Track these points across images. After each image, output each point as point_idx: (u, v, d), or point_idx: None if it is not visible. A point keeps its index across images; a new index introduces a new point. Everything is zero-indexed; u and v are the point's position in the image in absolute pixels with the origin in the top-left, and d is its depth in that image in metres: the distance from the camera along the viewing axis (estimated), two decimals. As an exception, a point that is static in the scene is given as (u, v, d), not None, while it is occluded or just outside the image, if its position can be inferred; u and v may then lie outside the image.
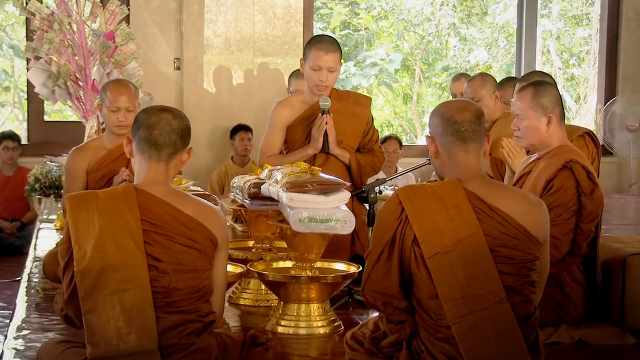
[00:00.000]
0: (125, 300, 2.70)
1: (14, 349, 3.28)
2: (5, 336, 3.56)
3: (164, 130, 2.83)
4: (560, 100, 3.71)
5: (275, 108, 4.78)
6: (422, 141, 11.61)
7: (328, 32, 11.68)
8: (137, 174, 2.90)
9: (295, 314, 3.59)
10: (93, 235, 2.73)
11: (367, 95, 5.13)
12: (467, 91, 5.44)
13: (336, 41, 4.70)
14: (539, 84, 3.73)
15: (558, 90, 3.80)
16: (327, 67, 4.56)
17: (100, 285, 2.71)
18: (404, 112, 12.68)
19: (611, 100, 8.35)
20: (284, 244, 3.97)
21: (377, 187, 4.21)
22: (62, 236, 2.93)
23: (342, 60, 4.72)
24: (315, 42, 4.61)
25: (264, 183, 3.78)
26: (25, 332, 3.50)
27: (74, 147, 4.50)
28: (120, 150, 4.37)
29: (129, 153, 2.94)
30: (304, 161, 3.94)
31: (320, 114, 4.56)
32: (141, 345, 2.69)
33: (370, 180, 4.71)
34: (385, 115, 12.53)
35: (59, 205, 5.90)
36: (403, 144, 8.06)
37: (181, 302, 2.78)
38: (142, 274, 2.72)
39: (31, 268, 4.65)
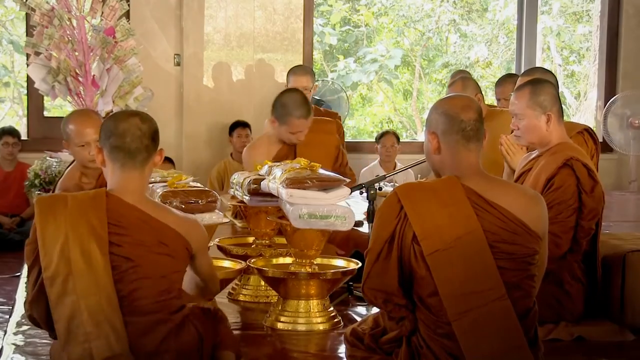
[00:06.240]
0: (92, 305, 2.69)
1: (13, 344, 3.29)
2: (5, 332, 3.56)
3: (135, 135, 2.79)
4: (558, 97, 3.71)
5: (248, 152, 4.89)
6: (422, 137, 11.61)
7: (328, 28, 11.67)
8: (110, 182, 2.87)
9: (294, 310, 3.60)
10: (59, 242, 2.72)
11: (331, 119, 5.33)
12: None
13: (305, 97, 4.76)
14: (536, 82, 3.72)
15: (555, 87, 3.79)
16: (307, 128, 4.71)
17: (68, 292, 2.71)
18: (404, 109, 12.67)
19: (613, 98, 8.34)
20: (283, 240, 3.97)
21: (377, 184, 4.20)
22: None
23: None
24: (292, 109, 4.66)
25: (263, 179, 3.78)
26: (24, 327, 3.50)
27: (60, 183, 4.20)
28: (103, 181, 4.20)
29: (100, 162, 2.89)
30: None
31: None
32: (112, 350, 2.68)
33: (369, 178, 4.73)
34: (385, 112, 12.53)
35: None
36: (403, 140, 8.07)
37: (149, 306, 2.76)
38: (106, 279, 2.71)
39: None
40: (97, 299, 2.70)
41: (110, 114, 2.99)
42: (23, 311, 3.75)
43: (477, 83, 5.60)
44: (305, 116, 4.68)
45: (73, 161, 4.29)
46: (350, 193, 3.64)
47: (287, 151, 4.77)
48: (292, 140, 4.75)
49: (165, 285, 2.80)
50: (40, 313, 2.80)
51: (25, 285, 4.23)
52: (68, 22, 6.34)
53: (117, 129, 2.80)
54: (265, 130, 6.09)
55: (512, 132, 3.95)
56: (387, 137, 7.69)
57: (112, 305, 2.71)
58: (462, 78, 5.70)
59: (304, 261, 3.64)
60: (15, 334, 3.42)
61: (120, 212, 2.78)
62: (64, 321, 2.71)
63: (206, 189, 3.67)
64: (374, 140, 8.04)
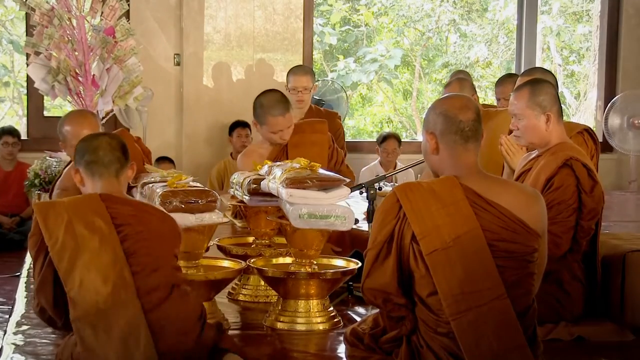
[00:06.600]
0: (101, 264, 2.87)
1: (13, 344, 3.29)
2: (5, 331, 3.56)
3: (106, 150, 3.07)
4: (557, 97, 3.71)
5: (241, 159, 4.86)
6: (422, 137, 11.59)
7: (328, 28, 11.67)
8: (94, 192, 3.08)
9: (294, 310, 3.60)
10: (63, 223, 2.91)
11: (322, 119, 5.29)
12: None
13: (283, 95, 4.74)
14: (535, 82, 3.72)
15: (554, 87, 3.79)
16: (286, 126, 4.68)
17: (77, 263, 2.86)
18: (404, 109, 12.67)
19: (614, 98, 8.34)
20: (283, 240, 3.97)
21: (377, 184, 4.20)
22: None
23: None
24: (268, 109, 4.65)
25: (263, 179, 3.78)
26: (24, 327, 3.50)
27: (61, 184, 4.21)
28: None
29: (79, 182, 3.13)
30: None
31: None
32: (120, 297, 2.84)
33: (369, 177, 4.72)
34: (385, 112, 12.53)
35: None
36: (403, 140, 8.06)
37: (153, 262, 2.95)
38: (112, 237, 2.91)
39: (30, 264, 4.64)
40: (106, 257, 2.88)
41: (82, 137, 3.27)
42: (23, 311, 3.75)
43: (473, 84, 5.61)
44: (282, 114, 4.65)
45: (70, 161, 4.29)
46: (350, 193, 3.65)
47: (279, 153, 4.75)
48: (276, 140, 4.72)
49: (165, 254, 2.99)
50: (48, 296, 2.93)
51: (25, 285, 4.23)
52: (68, 22, 6.34)
53: (89, 147, 3.09)
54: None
55: (510, 133, 3.95)
56: (389, 142, 7.64)
57: (120, 259, 2.89)
58: (459, 79, 5.71)
59: (303, 261, 3.64)
60: (15, 333, 3.42)
61: (116, 200, 3.02)
62: (76, 288, 2.85)
63: (206, 188, 3.66)
64: (373, 140, 8.03)
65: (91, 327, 2.82)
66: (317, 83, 6.79)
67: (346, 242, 4.52)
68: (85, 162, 3.07)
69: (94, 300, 2.84)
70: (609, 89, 8.68)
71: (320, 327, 3.58)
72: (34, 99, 7.76)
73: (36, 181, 6.54)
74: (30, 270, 4.48)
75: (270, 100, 4.68)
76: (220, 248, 4.13)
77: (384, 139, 7.70)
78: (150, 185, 3.70)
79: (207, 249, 3.76)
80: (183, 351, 2.90)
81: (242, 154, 4.94)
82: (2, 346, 3.30)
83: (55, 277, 2.90)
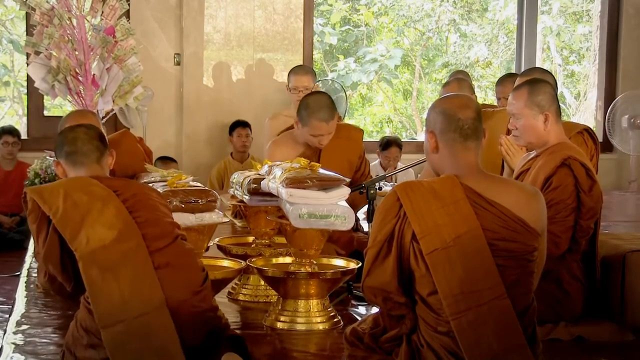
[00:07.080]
0: (105, 217, 2.95)
1: (13, 343, 3.29)
2: (5, 331, 3.56)
3: (84, 140, 3.16)
4: (555, 97, 3.71)
5: (273, 147, 4.79)
6: (422, 137, 11.61)
7: (328, 28, 11.67)
8: None
9: (294, 310, 3.60)
10: (60, 194, 2.97)
11: (359, 127, 5.25)
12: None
13: (331, 101, 4.67)
14: (534, 82, 3.72)
15: (553, 87, 3.79)
16: (328, 132, 4.60)
17: (83, 223, 2.93)
18: (404, 108, 12.68)
19: (616, 99, 8.34)
20: (283, 240, 3.97)
21: (377, 184, 4.20)
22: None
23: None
24: (313, 112, 4.54)
25: (263, 179, 3.78)
26: (24, 327, 3.51)
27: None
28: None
29: (62, 174, 3.20)
30: None
31: None
32: (124, 238, 2.93)
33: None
34: (385, 112, 12.54)
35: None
36: (403, 139, 8.05)
37: (151, 212, 3.06)
38: (113, 198, 3.01)
39: (30, 263, 4.65)
40: (109, 212, 2.96)
41: (61, 130, 3.39)
42: (23, 311, 3.76)
43: (472, 84, 5.60)
44: (326, 119, 4.54)
45: None
46: (351, 192, 3.64)
47: (311, 154, 4.64)
48: (314, 143, 4.62)
49: (163, 212, 3.10)
50: (55, 260, 2.97)
51: (25, 285, 4.23)
52: (68, 22, 6.33)
53: (67, 139, 3.17)
54: (266, 130, 6.06)
55: (508, 132, 3.95)
56: (391, 150, 7.60)
57: (123, 212, 2.98)
58: (458, 79, 5.71)
59: (303, 261, 3.64)
60: (15, 333, 3.42)
61: (104, 178, 3.12)
62: (83, 245, 2.89)
63: (206, 188, 3.67)
64: (373, 139, 8.03)
65: (98, 268, 2.87)
66: (317, 83, 6.79)
67: (353, 247, 4.50)
68: (65, 154, 3.15)
69: (100, 245, 2.90)
70: (609, 89, 8.68)
71: (320, 326, 3.58)
72: (34, 99, 7.76)
73: (36, 181, 6.51)
74: (31, 270, 4.49)
75: (318, 103, 4.59)
76: (220, 248, 4.13)
77: (386, 145, 7.66)
78: (151, 185, 3.70)
79: (207, 249, 3.77)
80: (190, 297, 2.93)
81: (275, 143, 4.83)
82: (2, 346, 3.30)
83: (61, 242, 2.95)
